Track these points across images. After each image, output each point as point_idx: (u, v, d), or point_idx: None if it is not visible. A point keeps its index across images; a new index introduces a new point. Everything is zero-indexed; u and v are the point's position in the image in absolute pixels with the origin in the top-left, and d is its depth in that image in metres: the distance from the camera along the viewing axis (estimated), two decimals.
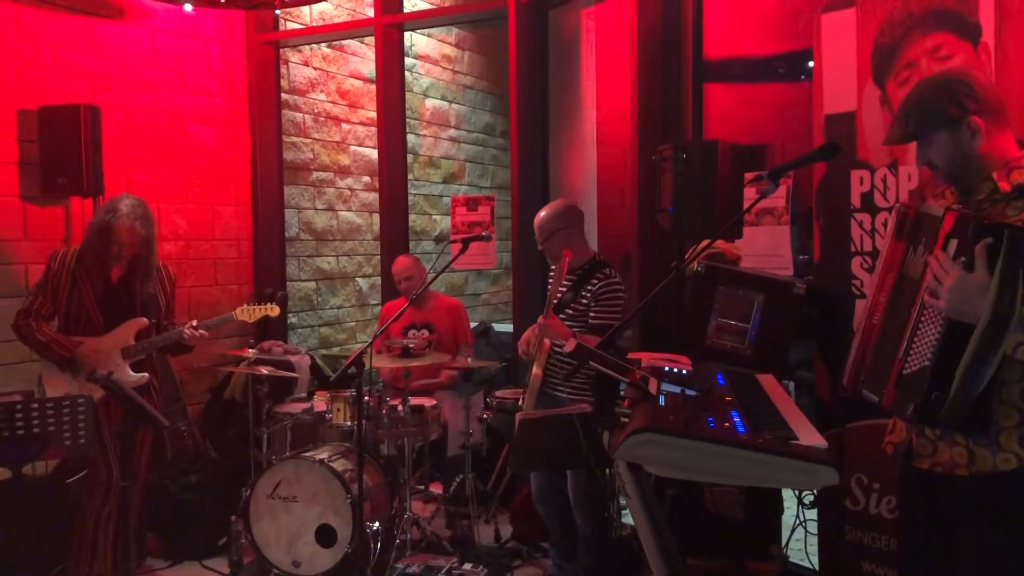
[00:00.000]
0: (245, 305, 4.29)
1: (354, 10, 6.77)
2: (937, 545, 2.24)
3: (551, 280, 4.10)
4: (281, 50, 6.29)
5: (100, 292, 3.89)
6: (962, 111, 2.11)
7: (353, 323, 7.25)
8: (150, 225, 3.92)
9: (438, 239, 8.01)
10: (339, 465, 4.12)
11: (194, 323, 4.02)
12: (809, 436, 2.09)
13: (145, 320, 3.95)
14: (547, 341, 3.78)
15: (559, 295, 3.89)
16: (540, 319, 3.72)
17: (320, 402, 4.56)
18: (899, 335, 2.09)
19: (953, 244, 1.97)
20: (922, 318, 2.03)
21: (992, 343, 1.91)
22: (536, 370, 3.79)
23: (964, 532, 2.16)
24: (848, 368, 2.33)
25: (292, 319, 6.56)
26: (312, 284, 6.79)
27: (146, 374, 3.97)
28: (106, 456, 3.82)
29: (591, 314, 3.77)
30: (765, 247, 4.07)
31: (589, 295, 3.78)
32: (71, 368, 3.85)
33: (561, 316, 3.80)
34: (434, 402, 4.61)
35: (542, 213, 3.96)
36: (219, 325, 4.25)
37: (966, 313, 1.93)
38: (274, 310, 4.36)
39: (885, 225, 3.34)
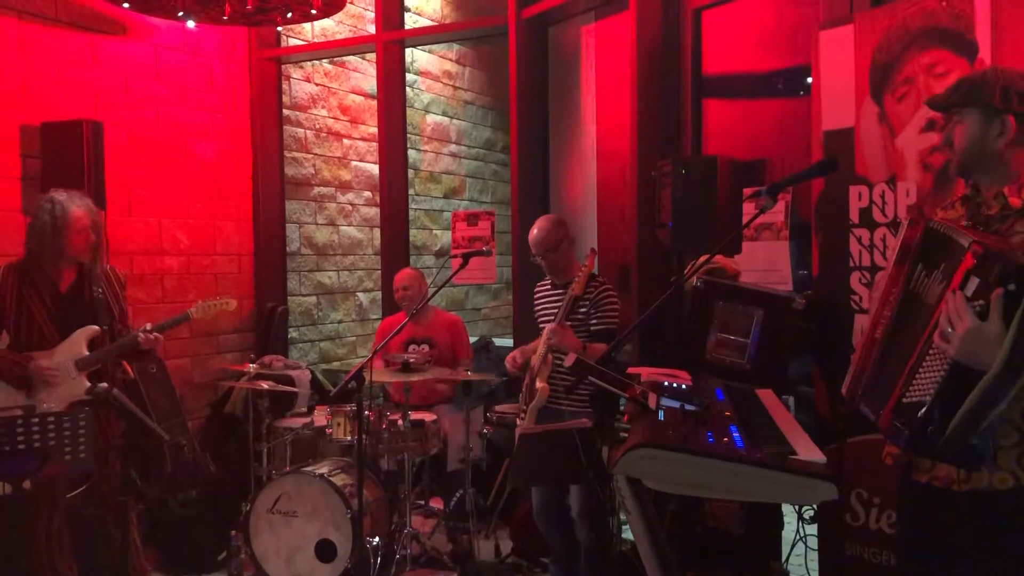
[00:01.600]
0: (200, 302, 4.13)
1: (356, 27, 6.82)
2: (936, 558, 2.24)
3: (540, 293, 4.12)
4: (283, 66, 6.33)
5: (50, 303, 3.74)
6: (1006, 104, 2.09)
7: (353, 338, 7.25)
8: (95, 213, 3.82)
9: (439, 254, 8.02)
10: (339, 480, 4.12)
11: (148, 326, 3.86)
12: (808, 451, 2.09)
13: (97, 328, 3.79)
14: (550, 356, 3.80)
15: (555, 309, 3.91)
16: (551, 326, 3.73)
17: (320, 417, 4.57)
18: (903, 360, 2.04)
19: (974, 283, 1.88)
20: (929, 352, 1.97)
21: (999, 393, 1.86)
22: (540, 383, 3.79)
23: (963, 546, 2.15)
24: (848, 379, 2.33)
25: (293, 334, 6.56)
26: (313, 299, 6.80)
27: (105, 384, 3.70)
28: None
29: (592, 321, 3.81)
30: (764, 262, 4.08)
31: (588, 304, 3.82)
32: (26, 386, 3.70)
33: None
34: (434, 417, 4.61)
35: (537, 230, 3.98)
36: (174, 326, 4.08)
37: (975, 362, 1.87)
38: (230, 304, 4.19)
39: (884, 240, 3.36)
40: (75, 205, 3.72)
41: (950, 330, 1.90)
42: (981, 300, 1.86)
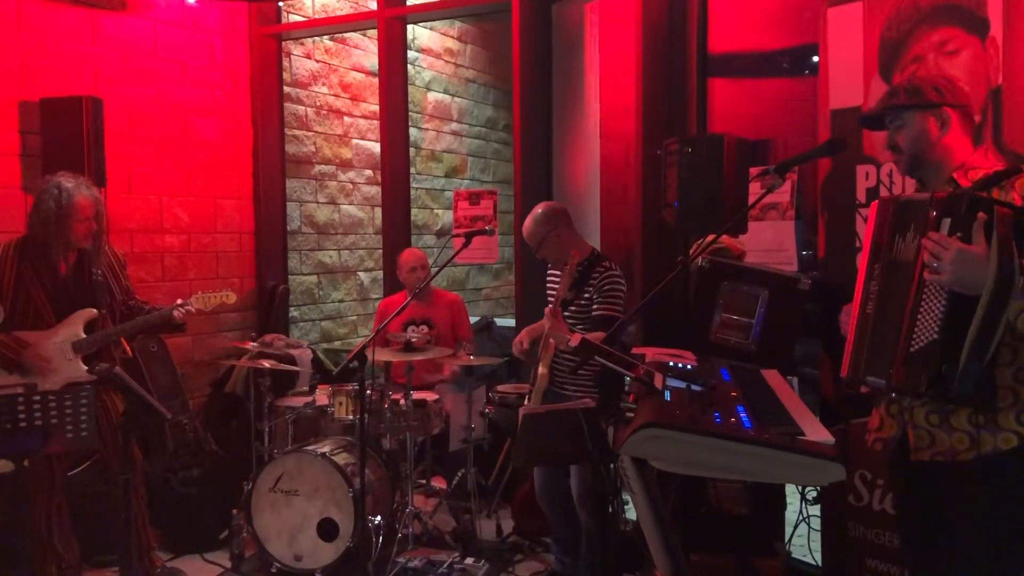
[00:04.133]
0: (200, 293, 4.08)
1: (357, 3, 6.76)
2: (939, 536, 2.27)
3: (550, 279, 4.09)
4: (283, 43, 6.28)
5: (48, 284, 3.73)
6: (940, 98, 2.29)
7: (354, 317, 7.24)
8: (97, 192, 3.82)
9: (440, 233, 7.99)
10: (341, 459, 4.11)
11: (179, 301, 3.92)
12: (816, 432, 2.08)
13: (94, 311, 3.79)
14: (552, 340, 3.79)
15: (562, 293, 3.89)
16: (548, 310, 3.70)
17: (322, 396, 4.56)
18: (899, 316, 2.14)
19: (947, 223, 2.06)
20: (923, 295, 2.09)
21: (997, 310, 1.98)
22: (542, 369, 3.78)
23: (970, 517, 2.19)
24: (846, 359, 2.35)
25: (294, 313, 6.55)
26: (314, 278, 6.78)
27: (106, 364, 3.74)
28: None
29: (594, 307, 3.77)
30: (770, 242, 4.05)
31: (592, 289, 3.78)
32: (20, 371, 3.69)
33: (565, 314, 3.79)
34: (436, 396, 4.60)
35: (527, 223, 3.94)
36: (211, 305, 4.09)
37: (969, 284, 2.00)
38: (230, 296, 4.16)
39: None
40: (80, 194, 3.70)
41: (937, 264, 2.04)
42: (960, 231, 2.04)
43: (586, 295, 3.79)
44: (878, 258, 2.28)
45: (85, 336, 3.77)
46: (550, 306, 3.70)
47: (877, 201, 2.37)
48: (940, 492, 2.24)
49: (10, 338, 3.69)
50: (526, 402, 4.00)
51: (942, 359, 2.02)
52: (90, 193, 3.75)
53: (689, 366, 2.64)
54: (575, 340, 2.45)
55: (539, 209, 3.98)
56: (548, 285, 4.12)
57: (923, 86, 2.33)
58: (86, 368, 3.76)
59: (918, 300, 2.10)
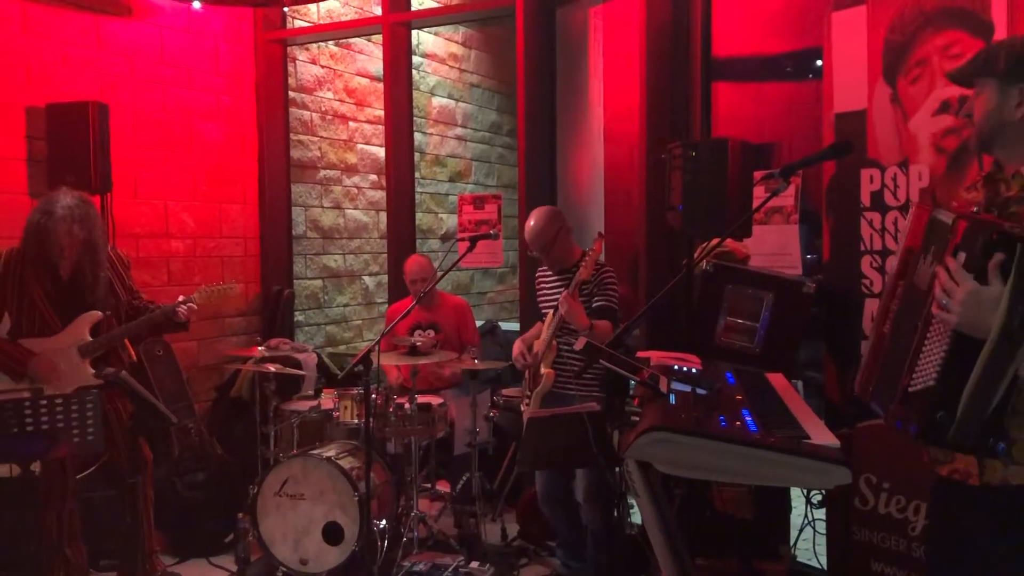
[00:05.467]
0: (204, 287, 4.06)
1: (361, 8, 6.78)
2: (962, 556, 2.15)
3: (541, 280, 4.10)
4: (289, 48, 6.29)
5: (51, 290, 3.70)
6: (1020, 73, 2.02)
7: (360, 321, 7.25)
8: (91, 226, 3.68)
9: (444, 237, 8.00)
10: (346, 463, 4.12)
11: (181, 298, 3.88)
12: (821, 435, 2.08)
13: (99, 314, 3.76)
14: (555, 342, 3.80)
15: (555, 294, 3.91)
16: (564, 294, 3.70)
17: (327, 400, 4.56)
18: (906, 349, 1.99)
19: (961, 257, 1.85)
20: (928, 333, 1.92)
21: (1002, 362, 1.79)
22: (545, 369, 3.79)
23: (973, 540, 2.09)
24: (859, 376, 2.25)
25: (299, 317, 6.56)
26: (319, 282, 6.79)
27: (112, 368, 3.69)
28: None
29: (594, 299, 3.83)
30: (774, 246, 4.06)
31: (591, 285, 3.84)
32: (28, 380, 3.67)
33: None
34: (441, 400, 4.61)
35: (532, 226, 3.95)
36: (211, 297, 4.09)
37: (979, 327, 1.81)
38: (233, 288, 4.14)
39: (896, 224, 3.33)
40: (62, 228, 3.58)
41: (946, 300, 1.84)
42: (974, 271, 1.82)
43: (585, 292, 3.84)
44: (903, 275, 2.12)
45: (91, 339, 3.76)
46: (565, 292, 3.71)
47: (916, 207, 2.19)
48: (959, 511, 2.12)
49: (15, 347, 3.68)
50: (523, 403, 4.01)
51: (937, 406, 1.86)
52: (70, 227, 3.60)
53: (694, 369, 2.64)
54: (580, 344, 2.45)
55: (541, 211, 4.01)
56: (540, 287, 4.12)
57: (1007, 53, 2.04)
58: (93, 372, 3.75)
59: (923, 338, 1.93)
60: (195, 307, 3.92)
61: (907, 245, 2.16)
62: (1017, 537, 2.01)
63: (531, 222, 3.97)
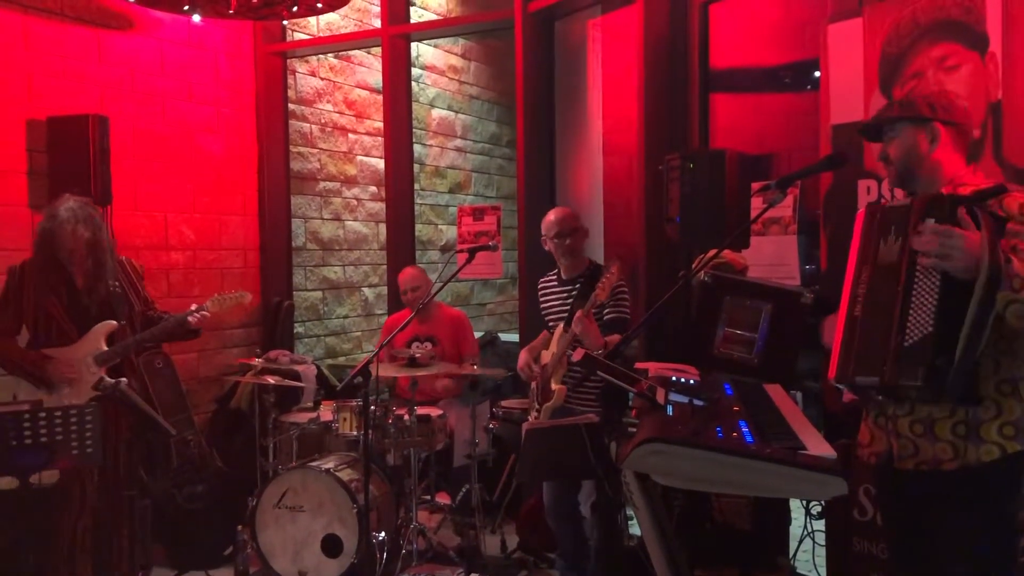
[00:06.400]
0: (216, 295, 4.10)
1: (361, 21, 6.80)
2: (927, 546, 2.30)
3: (544, 291, 4.10)
4: (288, 60, 6.32)
5: (66, 300, 3.75)
6: (932, 113, 2.31)
7: (359, 333, 7.25)
8: (95, 226, 3.76)
9: (444, 249, 8.01)
10: (345, 475, 4.11)
11: (194, 307, 3.93)
12: (818, 446, 2.08)
13: (114, 323, 3.80)
14: (566, 357, 3.80)
15: (562, 306, 3.91)
16: (579, 314, 3.69)
17: (326, 412, 4.56)
18: (890, 314, 2.16)
19: (930, 223, 2.07)
20: (914, 291, 2.11)
21: (990, 300, 2.00)
22: (556, 385, 3.78)
23: (952, 526, 2.23)
24: (834, 362, 2.34)
25: (298, 328, 6.56)
26: (318, 294, 6.80)
27: (124, 380, 3.73)
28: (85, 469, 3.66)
29: (606, 311, 3.81)
30: (772, 257, 4.06)
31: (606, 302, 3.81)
32: (45, 386, 3.73)
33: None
34: (440, 412, 4.60)
35: (555, 213, 4.02)
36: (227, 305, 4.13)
37: (970, 268, 2.01)
38: (245, 297, 4.18)
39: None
40: (66, 229, 3.67)
41: (942, 250, 2.04)
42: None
43: (597, 303, 3.82)
44: (865, 262, 2.31)
45: (107, 348, 3.80)
46: (580, 312, 3.70)
47: (863, 210, 2.41)
48: (924, 500, 2.28)
49: (35, 354, 3.73)
50: (531, 417, 4.00)
51: (937, 352, 2.04)
52: (73, 229, 3.68)
53: (692, 381, 2.64)
54: (578, 355, 2.45)
55: (567, 209, 4.11)
56: (544, 297, 4.12)
57: (917, 100, 2.37)
58: (113, 381, 3.75)
59: (908, 296, 2.12)
60: (207, 315, 3.98)
61: (861, 240, 2.36)
62: (996, 511, 2.21)
63: (553, 211, 4.03)
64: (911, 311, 2.11)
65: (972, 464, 2.18)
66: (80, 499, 3.74)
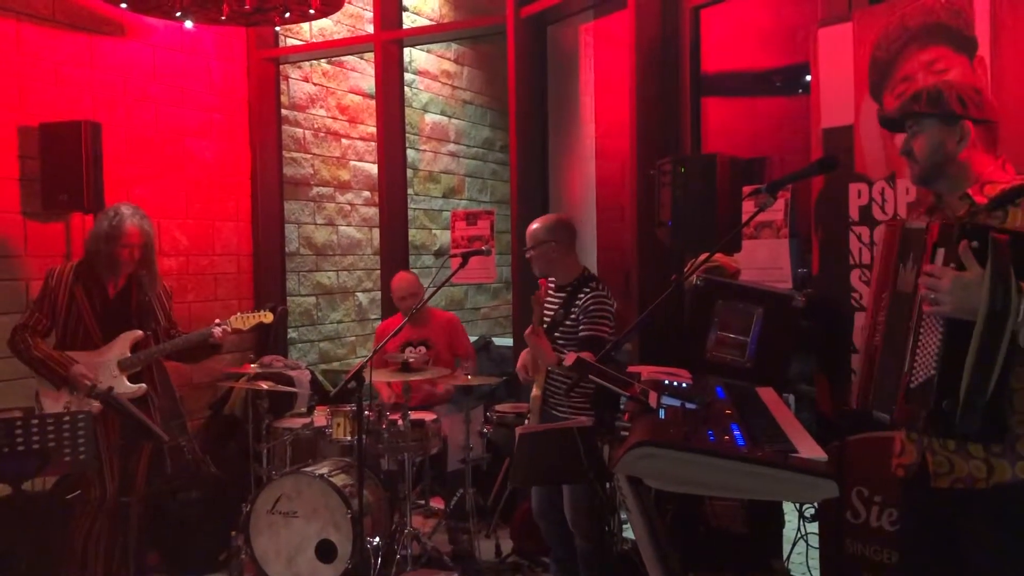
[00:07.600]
0: (239, 313, 4.24)
1: (354, 26, 6.81)
2: (952, 564, 2.22)
3: (548, 293, 4.10)
4: (281, 66, 6.32)
5: (98, 306, 3.90)
6: (963, 110, 2.17)
7: (353, 338, 7.25)
8: (151, 227, 3.99)
9: (438, 253, 8.02)
10: (339, 480, 4.11)
11: (217, 321, 4.10)
12: (809, 449, 2.09)
13: (141, 332, 3.96)
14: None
15: (550, 315, 3.90)
16: (527, 332, 3.68)
17: (320, 417, 4.56)
18: (901, 350, 2.10)
19: (940, 253, 2.02)
20: (921, 329, 2.05)
21: (994, 338, 1.92)
22: (535, 391, 3.78)
23: (985, 545, 2.14)
24: (855, 389, 2.32)
25: (292, 334, 6.56)
26: (312, 299, 6.80)
27: (144, 384, 3.95)
28: (100, 472, 3.78)
29: (580, 328, 3.74)
30: (764, 260, 4.07)
31: (578, 310, 3.75)
32: (66, 386, 3.82)
33: (556, 334, 3.78)
34: (434, 416, 4.60)
35: (535, 224, 3.97)
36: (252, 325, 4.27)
37: (968, 309, 1.94)
38: (268, 316, 4.29)
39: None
40: (131, 222, 3.87)
41: (935, 295, 1.99)
42: (953, 262, 1.99)
43: (572, 315, 3.77)
44: (885, 286, 2.24)
45: (131, 355, 3.93)
46: (529, 327, 3.69)
47: (885, 225, 2.33)
48: (957, 519, 2.18)
49: (61, 355, 3.84)
50: (527, 420, 4.00)
51: (940, 395, 1.98)
52: (140, 223, 3.90)
53: (684, 384, 2.65)
54: (569, 359, 2.46)
55: (551, 218, 4.01)
56: (546, 299, 4.12)
57: (947, 94, 2.19)
58: (134, 387, 3.91)
59: (916, 334, 2.06)
60: (229, 330, 4.11)
61: (882, 259, 2.28)
62: (1014, 530, 2.09)
63: (538, 221, 3.98)
64: (918, 351, 2.06)
65: (1007, 483, 2.08)
66: (98, 501, 3.81)
